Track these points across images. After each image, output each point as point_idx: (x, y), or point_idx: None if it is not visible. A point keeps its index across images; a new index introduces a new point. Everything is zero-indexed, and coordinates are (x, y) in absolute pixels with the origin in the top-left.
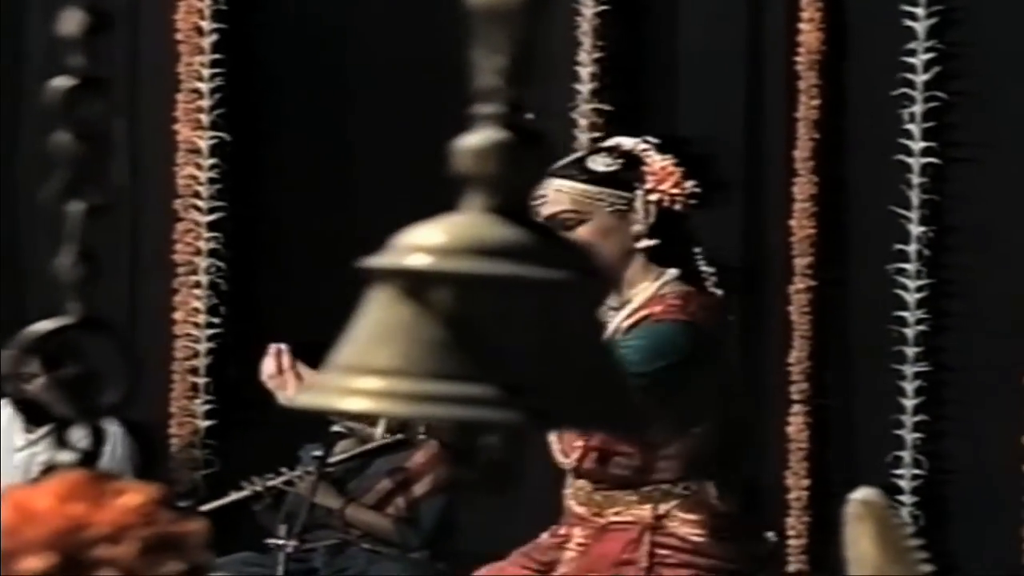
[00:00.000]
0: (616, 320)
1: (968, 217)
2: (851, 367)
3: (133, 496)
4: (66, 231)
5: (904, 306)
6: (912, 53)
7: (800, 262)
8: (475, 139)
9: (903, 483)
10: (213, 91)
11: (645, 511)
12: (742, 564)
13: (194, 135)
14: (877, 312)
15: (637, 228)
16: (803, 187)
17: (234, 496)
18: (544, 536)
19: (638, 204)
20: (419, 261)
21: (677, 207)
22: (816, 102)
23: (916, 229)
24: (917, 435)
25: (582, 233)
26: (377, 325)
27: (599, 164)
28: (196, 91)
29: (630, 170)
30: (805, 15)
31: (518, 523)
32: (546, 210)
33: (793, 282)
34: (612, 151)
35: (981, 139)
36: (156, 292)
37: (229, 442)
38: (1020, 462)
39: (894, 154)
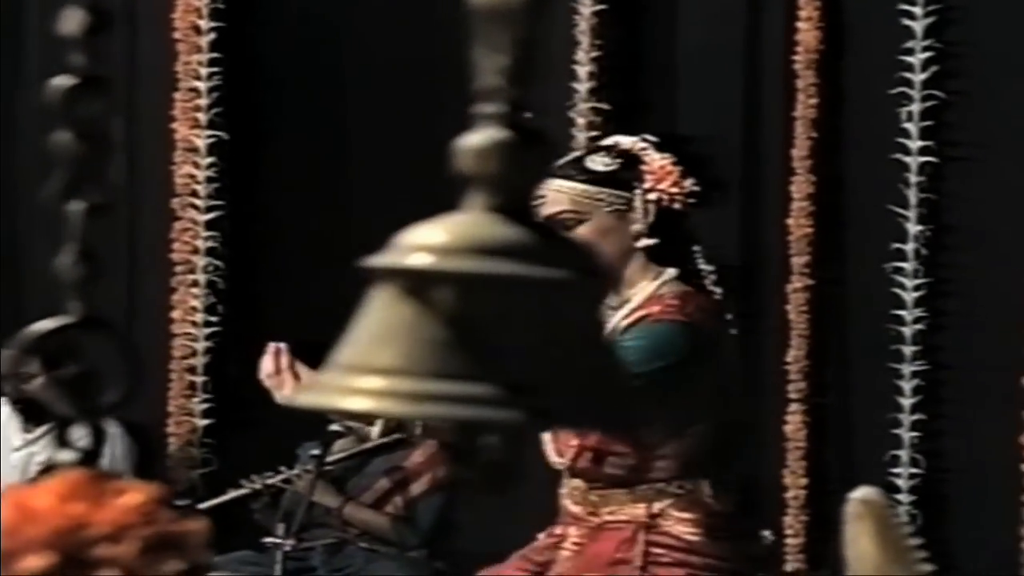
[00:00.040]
0: (614, 320)
1: (966, 216)
2: (849, 366)
3: (133, 495)
4: (67, 230)
5: (902, 305)
6: (910, 52)
7: (798, 261)
8: (477, 138)
9: (901, 482)
10: (211, 90)
11: (639, 510)
12: (737, 563)
13: (192, 134)
14: (875, 311)
15: (636, 227)
16: (801, 186)
17: (232, 495)
18: (541, 536)
19: (637, 203)
20: (421, 260)
21: (676, 206)
22: (814, 101)
23: (914, 228)
24: (915, 434)
25: (581, 233)
26: (378, 324)
27: (598, 164)
28: (194, 90)
29: (629, 169)
30: (803, 14)
31: (516, 522)
32: (545, 210)
33: (791, 281)
34: (610, 150)
35: (979, 138)
36: (154, 291)
37: (227, 441)
38: (1018, 461)
39: (892, 153)
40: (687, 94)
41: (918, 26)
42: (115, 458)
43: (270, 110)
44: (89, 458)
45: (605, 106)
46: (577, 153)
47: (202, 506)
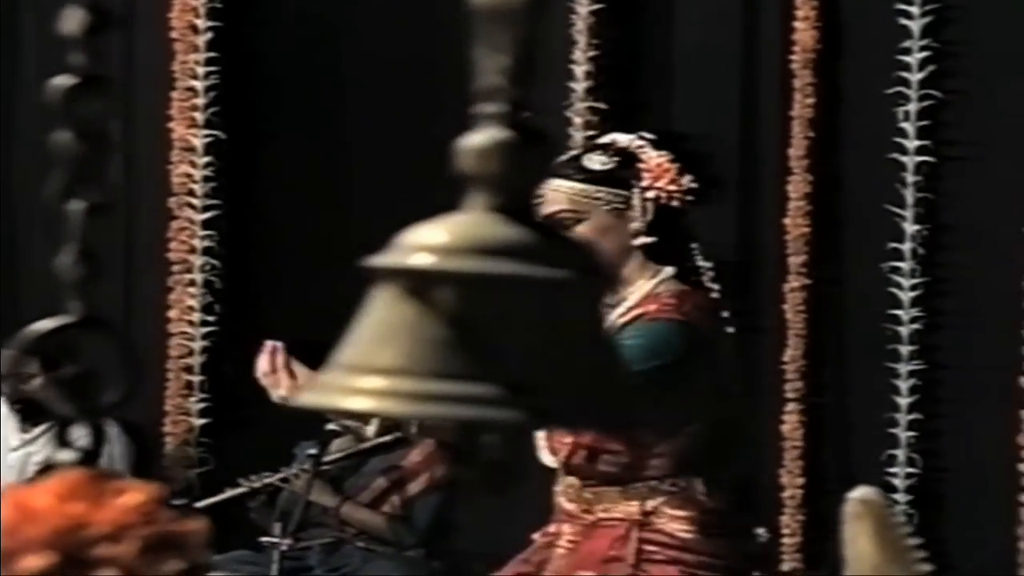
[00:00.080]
0: (611, 318)
1: (962, 215)
2: (846, 365)
3: (133, 495)
4: (67, 230)
5: (899, 304)
6: (907, 52)
7: (795, 260)
8: (478, 138)
9: (897, 481)
10: (208, 89)
11: (633, 508)
12: (731, 561)
13: (189, 133)
14: (872, 310)
15: (635, 226)
16: (798, 185)
17: (229, 494)
18: (536, 536)
19: (635, 202)
20: (422, 260)
21: (674, 203)
22: (811, 100)
23: (911, 227)
24: (912, 433)
25: (580, 232)
26: (380, 324)
27: (595, 163)
28: (191, 89)
29: (627, 168)
30: (800, 13)
31: (513, 522)
32: (543, 210)
33: (788, 280)
34: (608, 148)
35: (975, 138)
36: (150, 290)
37: (224, 440)
38: (1015, 461)
39: (889, 152)
40: (684, 94)
41: (915, 26)
42: (112, 458)
43: (267, 109)
44: (89, 458)
45: (602, 106)
46: (575, 152)
47: (199, 505)
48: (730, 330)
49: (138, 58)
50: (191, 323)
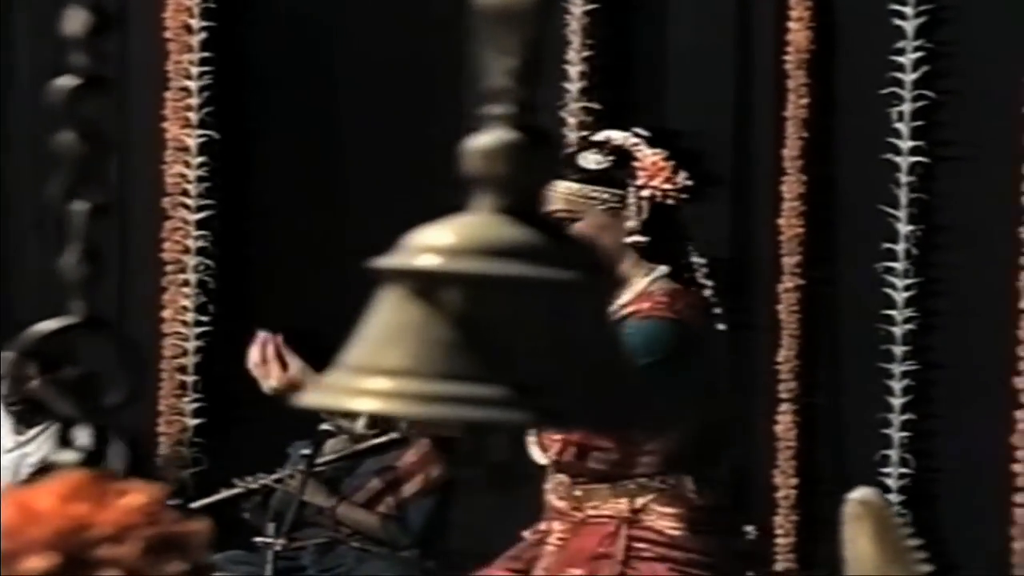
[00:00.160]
0: None
1: (956, 216)
2: (839, 366)
3: (136, 496)
4: (70, 231)
5: (892, 305)
6: (901, 52)
7: (788, 261)
8: (485, 140)
9: (891, 482)
10: (202, 89)
11: (622, 505)
12: (720, 558)
13: (183, 133)
14: (865, 311)
15: (630, 224)
16: (792, 186)
17: (223, 494)
18: (526, 534)
19: (631, 200)
20: (429, 262)
21: (669, 201)
22: (805, 101)
23: (904, 228)
24: (905, 434)
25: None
26: (387, 325)
27: (590, 162)
28: (185, 89)
29: (621, 167)
30: (794, 14)
31: (507, 522)
32: None
33: (782, 281)
34: (603, 146)
35: (969, 138)
36: (144, 290)
37: (217, 440)
38: (1008, 461)
39: (882, 153)
40: (678, 94)
41: (909, 26)
42: (107, 458)
43: (261, 110)
44: (91, 459)
45: (596, 105)
46: (569, 151)
47: (193, 506)
48: (722, 327)
49: (132, 58)
50: (185, 323)
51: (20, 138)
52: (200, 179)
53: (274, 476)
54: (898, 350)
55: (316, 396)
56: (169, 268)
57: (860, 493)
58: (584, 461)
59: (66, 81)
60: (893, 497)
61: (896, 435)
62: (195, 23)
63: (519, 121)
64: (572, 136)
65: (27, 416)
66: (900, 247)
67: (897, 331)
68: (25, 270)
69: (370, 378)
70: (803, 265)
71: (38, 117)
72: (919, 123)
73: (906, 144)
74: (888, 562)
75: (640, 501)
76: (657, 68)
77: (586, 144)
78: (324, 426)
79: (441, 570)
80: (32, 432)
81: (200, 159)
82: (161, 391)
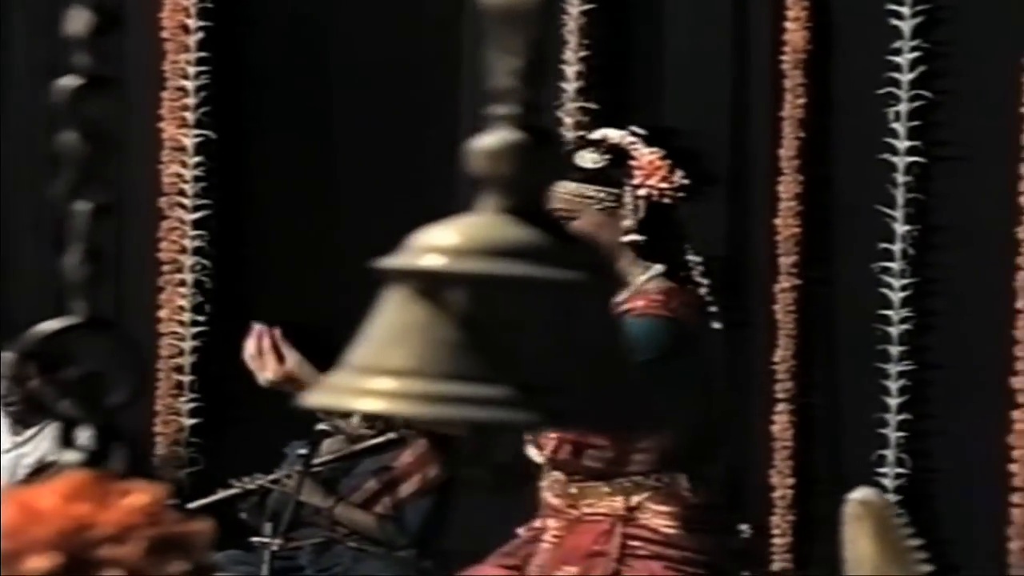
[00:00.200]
0: None
1: (953, 216)
2: (836, 366)
3: (138, 496)
4: (73, 231)
5: (889, 305)
6: (898, 52)
7: (785, 261)
8: (490, 140)
9: (887, 482)
10: (198, 89)
11: (617, 503)
12: (714, 556)
13: (179, 133)
14: (862, 311)
15: (626, 223)
16: (788, 186)
17: (220, 494)
18: (521, 531)
19: (627, 200)
20: (434, 262)
21: (666, 200)
22: (801, 101)
23: (901, 228)
24: (901, 434)
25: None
26: (392, 325)
27: (587, 161)
28: (181, 89)
29: (618, 165)
30: (791, 14)
31: (504, 521)
32: None
33: (778, 281)
34: (599, 145)
35: (966, 138)
36: (141, 290)
37: (214, 440)
38: (1004, 461)
39: (879, 153)
40: (675, 94)
41: (906, 26)
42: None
43: (258, 110)
44: (94, 459)
45: (593, 105)
46: (566, 150)
47: (190, 506)
48: (718, 326)
49: (129, 58)
50: (182, 323)
51: (17, 137)
52: (197, 179)
53: (271, 476)
54: (894, 350)
55: (321, 396)
56: (166, 268)
57: (861, 493)
58: (579, 459)
59: (69, 81)
60: (889, 497)
61: (892, 435)
62: (192, 23)
63: (524, 121)
64: (569, 135)
65: (26, 416)
66: (897, 247)
67: (893, 331)
68: (22, 270)
69: (375, 378)
70: (799, 265)
71: (35, 117)
72: (916, 123)
73: (903, 144)
74: (889, 562)
75: (635, 499)
76: (654, 68)
77: (583, 143)
78: (321, 426)
79: (438, 570)
80: (29, 432)
81: (197, 159)
82: (158, 391)
